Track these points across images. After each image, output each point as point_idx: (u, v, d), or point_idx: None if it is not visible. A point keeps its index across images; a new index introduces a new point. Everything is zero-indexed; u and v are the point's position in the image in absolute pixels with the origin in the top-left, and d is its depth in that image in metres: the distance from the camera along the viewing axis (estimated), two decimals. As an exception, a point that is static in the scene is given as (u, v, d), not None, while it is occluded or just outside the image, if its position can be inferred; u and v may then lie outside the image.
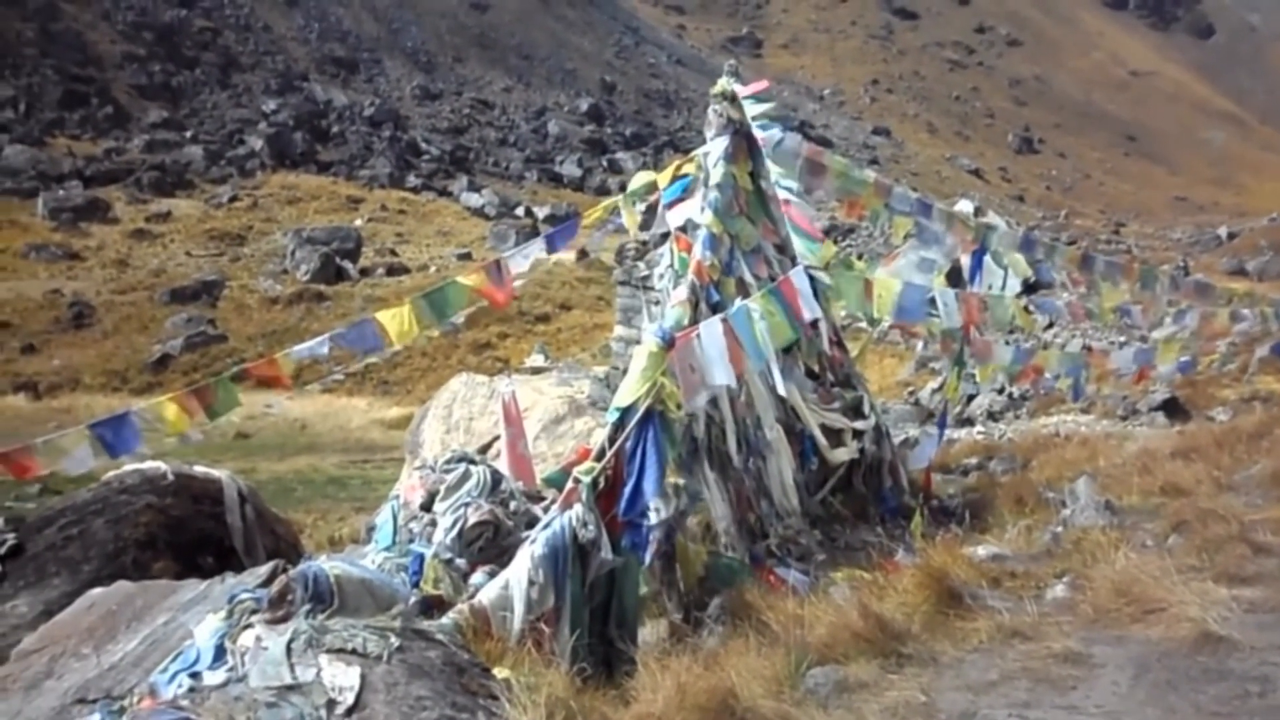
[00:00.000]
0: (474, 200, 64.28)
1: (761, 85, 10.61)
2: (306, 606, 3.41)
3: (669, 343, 5.25)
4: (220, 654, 3.38)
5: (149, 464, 7.71)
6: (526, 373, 14.45)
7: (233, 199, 58.01)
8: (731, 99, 10.12)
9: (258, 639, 3.32)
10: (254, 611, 3.50)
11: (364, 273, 47.75)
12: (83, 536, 7.24)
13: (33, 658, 5.66)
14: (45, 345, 38.72)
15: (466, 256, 49.88)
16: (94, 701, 5.12)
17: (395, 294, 41.53)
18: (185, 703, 3.04)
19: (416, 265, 49.59)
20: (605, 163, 79.77)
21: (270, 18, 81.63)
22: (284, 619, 3.39)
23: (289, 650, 3.23)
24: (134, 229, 51.85)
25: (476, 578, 4.50)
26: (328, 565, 3.62)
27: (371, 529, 16.22)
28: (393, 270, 48.21)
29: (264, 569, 5.86)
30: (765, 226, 10.33)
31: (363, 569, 3.92)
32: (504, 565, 4.67)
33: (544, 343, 35.40)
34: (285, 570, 5.84)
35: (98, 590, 6.16)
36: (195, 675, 3.34)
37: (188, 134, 65.83)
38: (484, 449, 10.05)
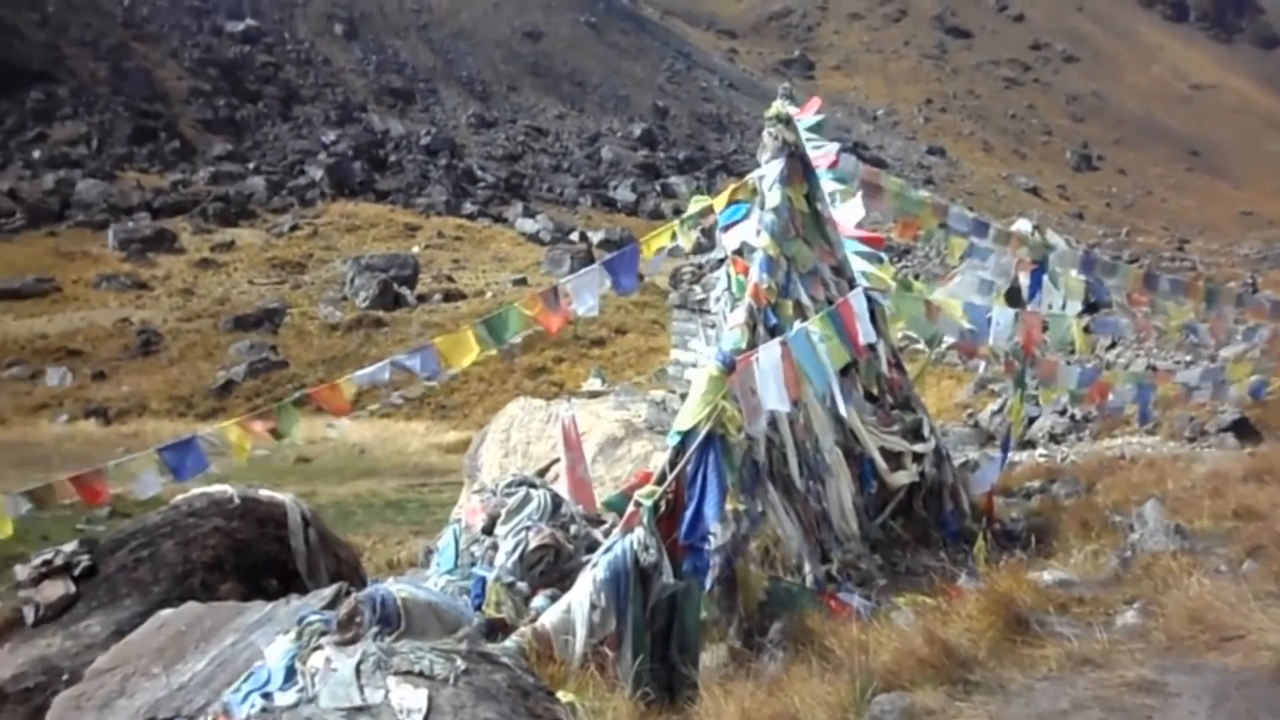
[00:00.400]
0: (529, 226, 64.92)
1: (815, 106, 10.60)
2: (374, 629, 3.46)
3: (729, 366, 5.25)
4: (291, 675, 3.43)
5: (216, 488, 7.87)
6: (584, 397, 14.52)
7: (294, 228, 59.26)
8: (786, 121, 10.11)
9: (327, 660, 3.37)
10: (323, 633, 3.55)
11: (421, 299, 48.38)
12: (153, 558, 7.39)
13: (106, 676, 5.80)
14: (115, 372, 39.75)
15: (522, 282, 50.32)
16: (165, 721, 5.23)
17: (452, 319, 42.05)
18: (259, 723, 3.11)
19: (473, 291, 50.14)
20: (659, 187, 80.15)
21: (330, 51, 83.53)
22: (352, 641, 3.44)
23: (358, 672, 3.27)
24: (199, 258, 53.19)
25: (538, 601, 4.52)
26: (395, 588, 3.68)
27: (430, 552, 16.35)
28: (449, 296, 48.78)
29: (327, 591, 5.94)
30: (821, 249, 10.28)
31: (429, 592, 3.97)
32: (565, 589, 4.68)
33: (600, 367, 35.51)
34: (348, 593, 5.92)
35: (167, 611, 6.29)
36: (267, 695, 3.40)
37: (250, 165, 67.45)
38: (542, 472, 10.10)
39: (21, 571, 7.47)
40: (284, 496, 8.01)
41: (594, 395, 15.03)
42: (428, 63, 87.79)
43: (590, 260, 49.88)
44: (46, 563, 7.41)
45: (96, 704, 5.57)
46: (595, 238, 60.62)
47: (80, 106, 66.33)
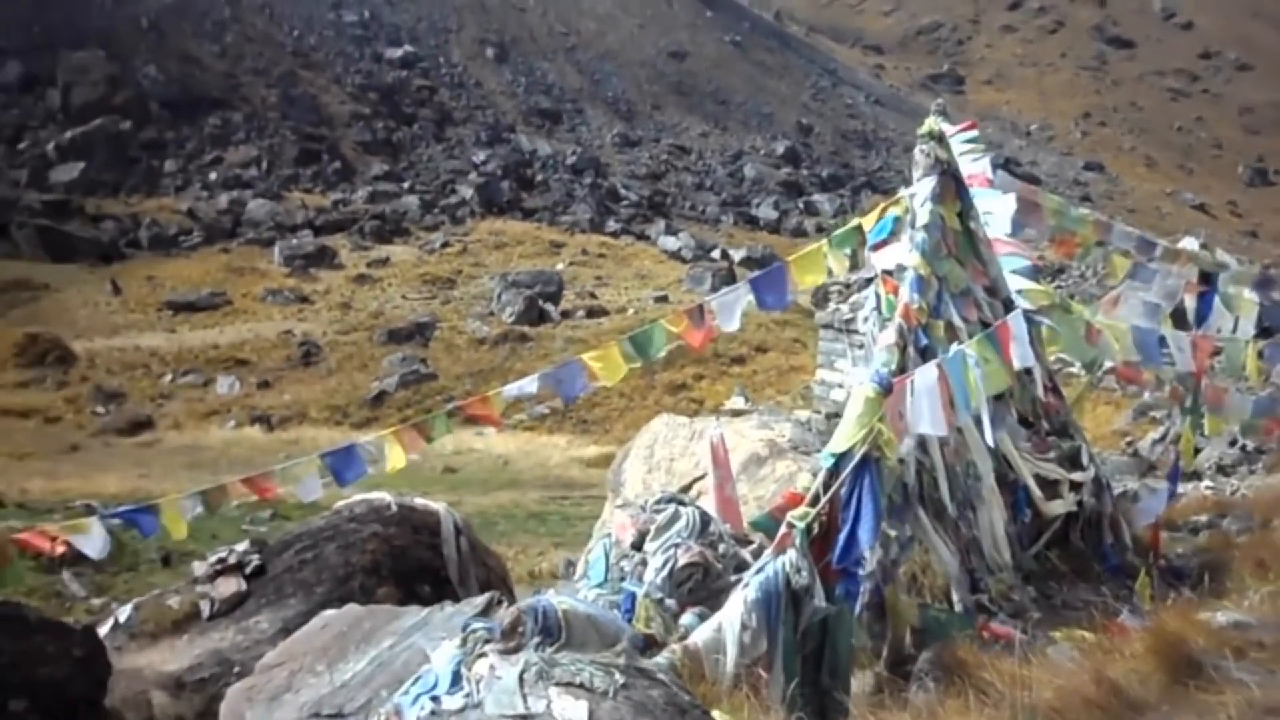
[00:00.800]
0: (671, 244, 65.39)
1: (969, 125, 10.33)
2: (536, 639, 3.56)
3: (887, 389, 5.17)
4: (457, 680, 3.56)
5: (375, 495, 8.22)
6: (726, 415, 14.52)
7: (444, 245, 61.37)
8: (939, 138, 9.90)
9: (491, 668, 3.48)
10: (487, 641, 3.67)
11: (565, 315, 49.29)
12: (316, 561, 7.78)
13: (274, 671, 6.12)
14: (278, 381, 41.92)
15: (663, 299, 50.69)
16: (327, 717, 5.48)
17: (595, 335, 42.68)
18: (428, 725, 3.24)
19: (615, 308, 50.78)
20: (801, 205, 79.56)
21: (481, 74, 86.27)
22: (515, 650, 3.55)
23: (521, 681, 3.37)
24: (356, 274, 55.66)
25: (686, 619, 4.55)
26: (555, 600, 3.77)
27: (570, 564, 16.61)
28: (592, 312, 49.55)
29: (480, 600, 6.12)
30: (974, 268, 10.00)
31: (588, 605, 4.05)
32: (713, 607, 4.69)
33: (741, 385, 35.42)
34: (500, 602, 6.09)
35: (330, 612, 6.60)
36: (435, 699, 3.53)
37: (405, 185, 70.24)
38: (685, 490, 10.14)
39: (199, 568, 7.97)
40: (438, 505, 8.30)
41: (737, 414, 14.99)
42: (574, 84, 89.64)
43: (732, 278, 49.81)
44: (221, 560, 7.89)
45: (265, 697, 5.88)
46: (737, 255, 60.56)
47: (252, 131, 70.48)
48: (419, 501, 8.35)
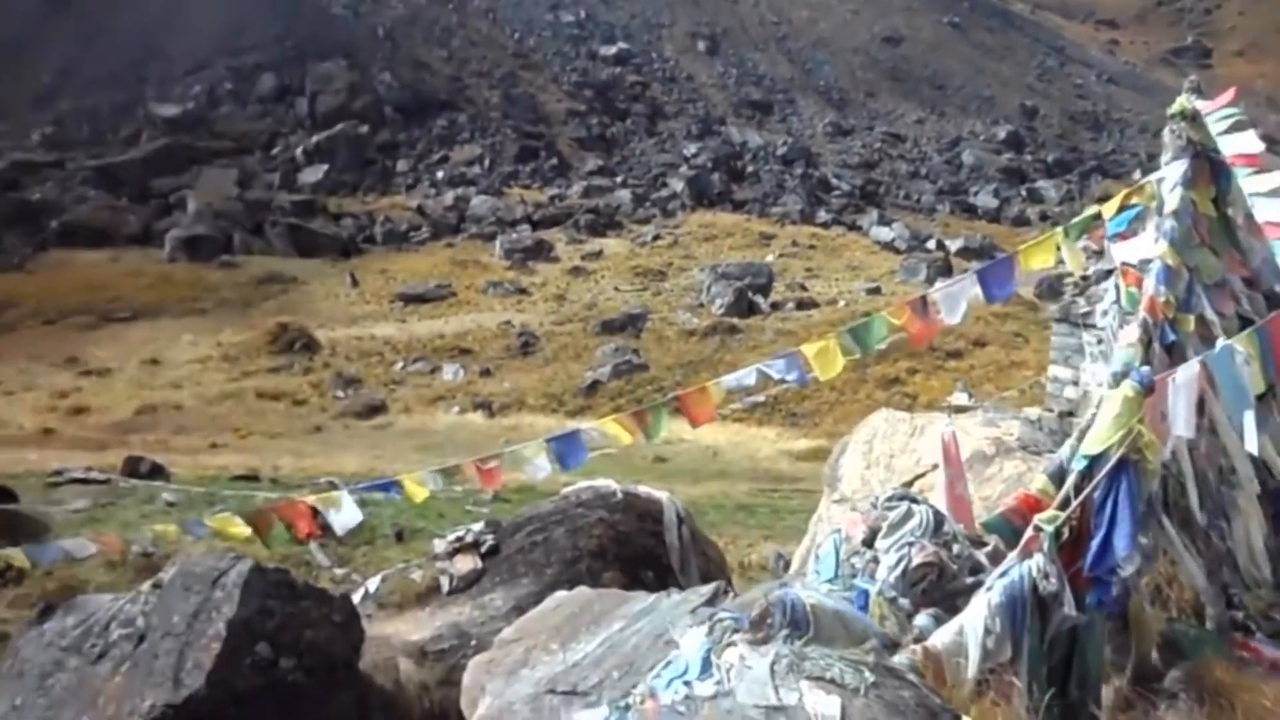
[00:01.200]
0: (883, 234, 63.88)
1: (1228, 96, 9.53)
2: (785, 631, 3.59)
3: (1148, 388, 4.87)
4: (707, 666, 3.64)
5: (600, 481, 8.49)
6: (949, 411, 14.05)
7: (656, 238, 62.41)
8: (1192, 118, 9.18)
9: (741, 657, 3.55)
10: (734, 630, 3.74)
11: (775, 307, 49.08)
12: (546, 543, 8.12)
13: (511, 647, 6.44)
14: (498, 370, 43.87)
15: (875, 291, 49.60)
16: (562, 694, 5.72)
17: (805, 328, 42.28)
18: (683, 709, 3.33)
19: (826, 300, 50.13)
20: (1024, 192, 75.87)
21: (693, 68, 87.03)
22: (764, 641, 3.59)
23: (773, 672, 3.41)
24: (571, 267, 57.48)
25: (921, 620, 4.46)
26: (803, 593, 3.79)
27: (780, 557, 16.50)
28: (802, 305, 49.10)
29: (706, 589, 6.22)
30: (1231, 259, 9.22)
31: (835, 600, 4.05)
32: (948, 609, 4.58)
33: (960, 379, 34.19)
34: (726, 592, 6.17)
35: (562, 593, 6.88)
36: (688, 684, 3.63)
37: (618, 179, 71.92)
38: (907, 486, 9.86)
39: (438, 545, 8.49)
40: (661, 494, 8.49)
41: (960, 410, 14.48)
42: (785, 74, 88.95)
43: (948, 269, 48.13)
44: (459, 539, 8.38)
45: (504, 671, 6.20)
46: (953, 245, 58.44)
47: (476, 131, 74.06)
48: (642, 489, 8.57)
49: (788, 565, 14.12)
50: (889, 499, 5.31)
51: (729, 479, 30.33)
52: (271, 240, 59.64)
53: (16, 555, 8.75)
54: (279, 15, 76.60)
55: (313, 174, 67.54)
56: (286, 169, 67.84)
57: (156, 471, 18.70)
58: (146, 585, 6.86)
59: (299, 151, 69.17)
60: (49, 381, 40.78)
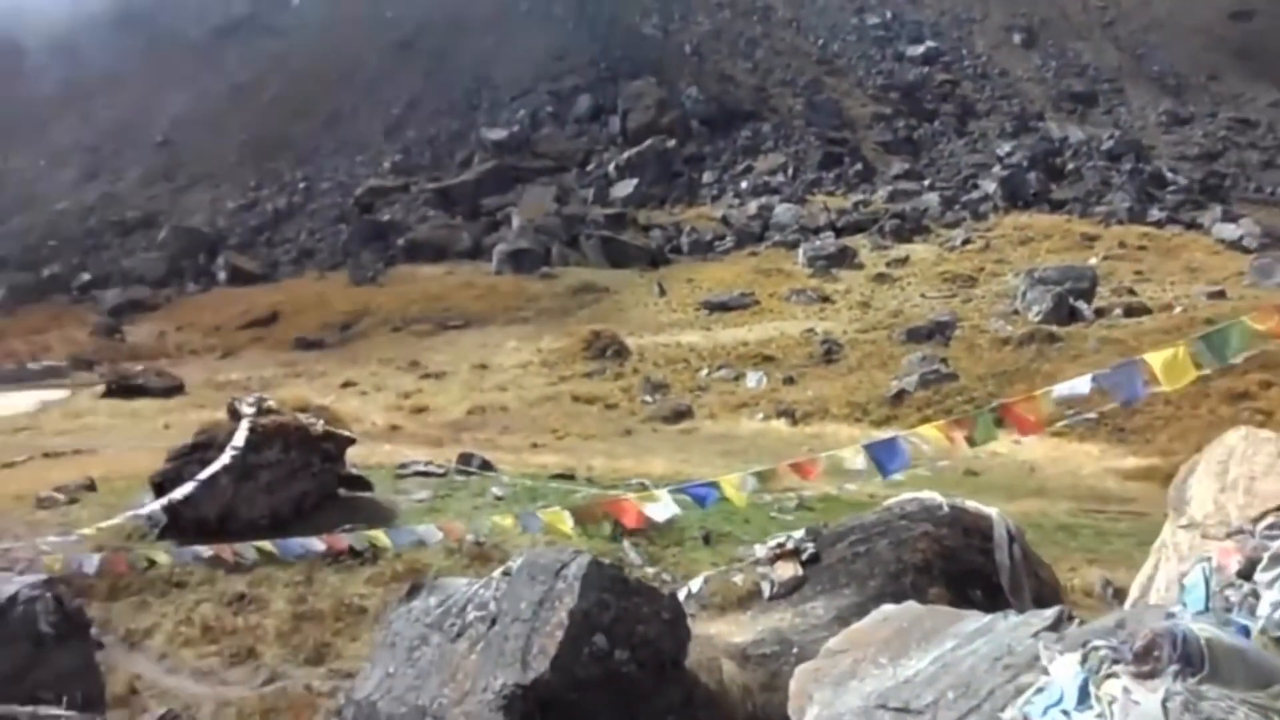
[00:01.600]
0: (1228, 231, 57.63)
1: None
2: (1175, 666, 3.33)
3: None
4: (1084, 697, 3.46)
5: (926, 494, 8.26)
6: (1324, 432, 12.38)
7: (965, 242, 59.86)
8: None
9: (1126, 690, 3.33)
10: (1114, 661, 3.52)
11: (1099, 313, 45.55)
12: (869, 554, 8.01)
13: (839, 657, 6.40)
14: (801, 377, 43.75)
15: (1219, 295, 44.83)
16: (895, 710, 5.61)
17: (1133, 335, 38.94)
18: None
19: (1159, 305, 45.91)
20: None
21: (1007, 62, 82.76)
22: (1150, 675, 3.35)
23: (1165, 710, 3.17)
24: (876, 273, 56.34)
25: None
26: (1196, 626, 3.50)
27: (1108, 584, 15.29)
28: (1131, 310, 45.22)
29: (1047, 613, 5.86)
30: None
31: (1234, 636, 3.71)
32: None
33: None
34: (1071, 617, 5.80)
35: (890, 606, 6.75)
36: (1065, 714, 3.46)
37: (925, 183, 69.72)
38: (1259, 517, 8.81)
39: (760, 550, 8.60)
40: (990, 510, 8.13)
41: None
42: (1112, 62, 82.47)
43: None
44: (780, 545, 8.44)
45: (831, 681, 6.17)
46: (1317, 243, 51.69)
47: (779, 139, 74.50)
48: (970, 504, 8.24)
49: (1117, 593, 13.10)
50: (1270, 527, 4.77)
51: (1047, 497, 28.42)
52: (586, 252, 63.09)
53: (380, 537, 9.79)
54: (595, 39, 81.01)
55: (624, 188, 70.73)
56: (600, 184, 71.52)
57: (486, 467, 20.20)
58: (497, 572, 7.44)
59: (611, 167, 72.71)
60: (396, 383, 45.34)
